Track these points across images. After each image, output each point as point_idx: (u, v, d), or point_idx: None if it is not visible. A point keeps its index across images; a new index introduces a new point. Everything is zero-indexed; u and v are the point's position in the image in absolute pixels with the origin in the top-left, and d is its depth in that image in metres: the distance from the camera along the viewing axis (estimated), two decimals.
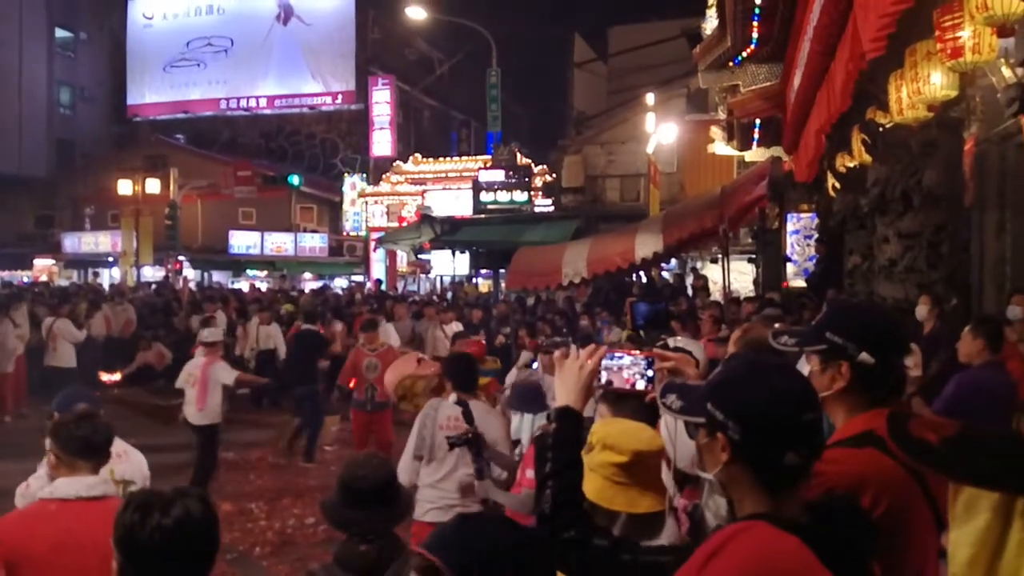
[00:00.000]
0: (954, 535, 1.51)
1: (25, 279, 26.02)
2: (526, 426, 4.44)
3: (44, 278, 25.24)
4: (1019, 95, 5.17)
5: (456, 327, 11.28)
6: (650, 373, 1.97)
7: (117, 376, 13.48)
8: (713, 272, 18.43)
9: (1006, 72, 5.88)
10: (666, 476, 2.31)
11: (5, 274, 27.60)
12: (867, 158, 8.22)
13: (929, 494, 1.87)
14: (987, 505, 1.46)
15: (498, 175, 23.42)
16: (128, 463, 3.45)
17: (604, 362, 1.96)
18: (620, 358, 1.98)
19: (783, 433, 1.48)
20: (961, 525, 1.50)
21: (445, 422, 4.63)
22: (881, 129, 7.64)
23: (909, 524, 1.87)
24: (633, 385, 1.98)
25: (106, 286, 21.54)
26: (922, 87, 5.29)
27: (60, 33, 34.11)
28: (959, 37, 4.42)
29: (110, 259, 27.34)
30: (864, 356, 1.96)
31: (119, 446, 3.18)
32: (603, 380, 1.96)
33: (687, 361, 1.99)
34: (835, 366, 2.00)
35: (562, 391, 1.89)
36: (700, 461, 1.64)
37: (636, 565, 1.57)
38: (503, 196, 23.20)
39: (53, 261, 28.66)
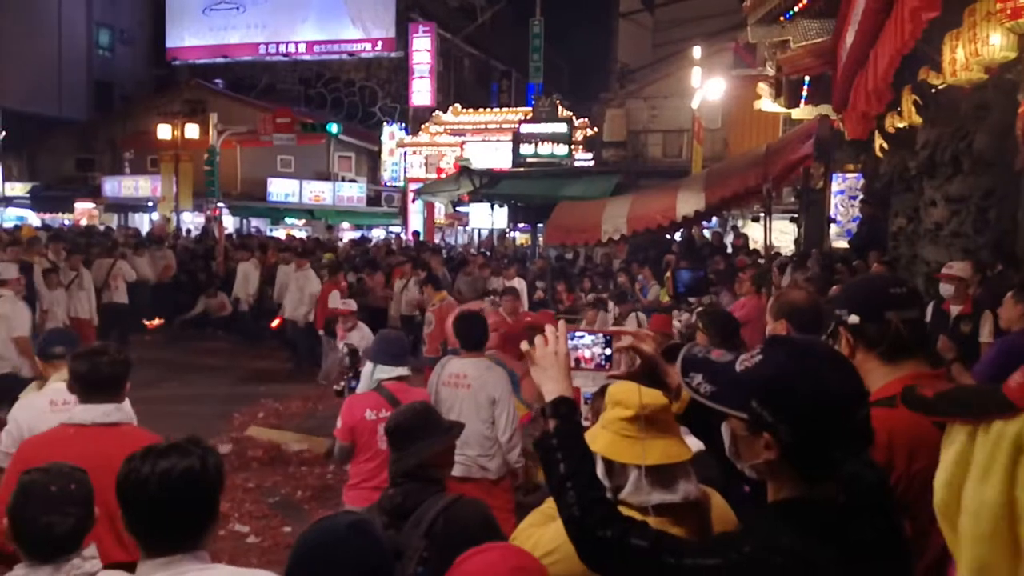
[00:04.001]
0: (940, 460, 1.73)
1: (66, 222, 26.35)
2: (365, 374, 4.67)
3: (84, 221, 25.57)
4: None
5: (519, 283, 11.18)
6: (608, 352, 1.97)
7: (159, 321, 14.03)
8: (754, 231, 18.23)
9: None
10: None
11: (47, 216, 27.85)
12: (917, 119, 8.05)
13: None
14: (960, 432, 1.65)
15: (539, 127, 23.17)
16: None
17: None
18: (582, 337, 1.99)
19: (837, 434, 1.46)
20: (943, 453, 1.70)
21: (448, 378, 4.78)
22: (933, 90, 7.45)
23: None
24: (596, 364, 2.01)
25: (144, 231, 21.77)
26: (980, 48, 5.16)
27: None
28: None
29: (150, 204, 27.61)
30: (852, 318, 2.12)
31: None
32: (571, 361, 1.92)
33: (644, 337, 1.94)
34: (840, 337, 2.16)
35: (547, 383, 1.81)
36: (731, 446, 1.58)
37: (681, 570, 1.47)
38: (543, 149, 22.98)
39: (93, 204, 28.90)
